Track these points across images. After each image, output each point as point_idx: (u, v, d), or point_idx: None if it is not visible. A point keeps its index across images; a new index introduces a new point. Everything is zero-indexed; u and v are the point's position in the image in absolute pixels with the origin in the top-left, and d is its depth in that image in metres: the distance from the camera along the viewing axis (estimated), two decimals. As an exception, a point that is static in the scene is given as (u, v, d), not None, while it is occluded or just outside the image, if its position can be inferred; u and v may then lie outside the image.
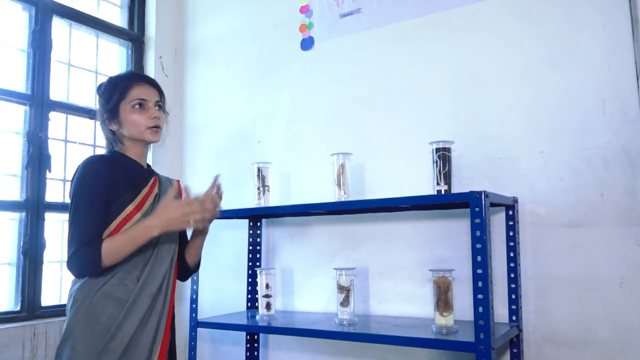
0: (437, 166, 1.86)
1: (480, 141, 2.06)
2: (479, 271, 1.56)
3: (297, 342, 2.42)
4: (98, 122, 1.75)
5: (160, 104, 1.75)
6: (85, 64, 2.68)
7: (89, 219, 1.55)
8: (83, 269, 1.54)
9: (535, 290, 1.92)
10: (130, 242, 1.53)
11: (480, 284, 1.55)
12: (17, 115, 2.35)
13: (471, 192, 1.60)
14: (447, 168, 1.85)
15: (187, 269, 1.89)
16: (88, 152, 2.63)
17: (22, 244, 2.27)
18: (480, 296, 1.55)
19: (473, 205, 1.59)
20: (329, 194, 2.29)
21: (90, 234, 1.54)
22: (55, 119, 2.45)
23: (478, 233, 1.57)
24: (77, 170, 1.63)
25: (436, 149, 1.86)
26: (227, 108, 2.78)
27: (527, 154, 1.97)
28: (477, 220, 1.58)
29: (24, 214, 2.29)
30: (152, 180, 1.74)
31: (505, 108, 2.03)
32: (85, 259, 1.51)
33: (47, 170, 2.36)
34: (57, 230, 2.46)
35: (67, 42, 2.59)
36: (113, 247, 1.52)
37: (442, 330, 1.75)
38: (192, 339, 2.23)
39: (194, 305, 2.25)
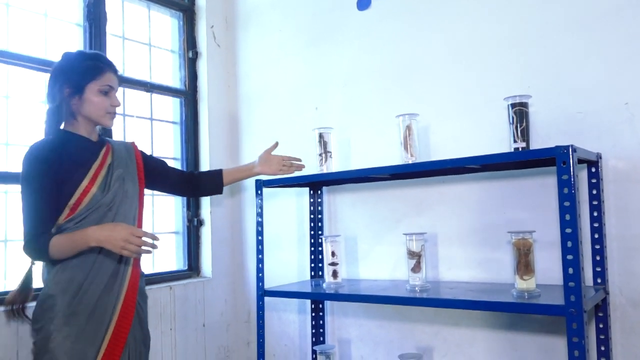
0: (513, 123, 1.75)
1: (556, 95, 1.93)
2: (568, 230, 1.46)
3: (363, 310, 2.38)
4: (46, 91, 1.73)
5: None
6: (138, 36, 2.65)
7: (38, 210, 1.63)
8: (35, 257, 1.67)
9: (621, 250, 1.81)
10: (70, 247, 1.61)
11: (569, 244, 1.46)
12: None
13: (557, 147, 1.50)
14: (524, 124, 1.74)
15: (208, 188, 2.11)
16: (146, 126, 2.64)
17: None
18: (570, 257, 1.46)
19: (560, 160, 1.49)
20: (392, 158, 2.22)
21: (41, 225, 1.63)
22: (113, 92, 2.44)
23: (566, 190, 1.47)
24: (23, 159, 1.66)
25: (512, 104, 1.76)
26: (282, 75, 2.72)
27: (610, 107, 1.83)
28: (565, 177, 1.48)
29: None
30: (103, 152, 1.79)
31: (583, 57, 1.88)
32: (35, 249, 1.62)
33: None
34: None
35: (120, 15, 2.57)
36: (58, 246, 1.60)
37: (523, 294, 1.66)
38: (260, 308, 2.22)
39: (260, 275, 2.23)
